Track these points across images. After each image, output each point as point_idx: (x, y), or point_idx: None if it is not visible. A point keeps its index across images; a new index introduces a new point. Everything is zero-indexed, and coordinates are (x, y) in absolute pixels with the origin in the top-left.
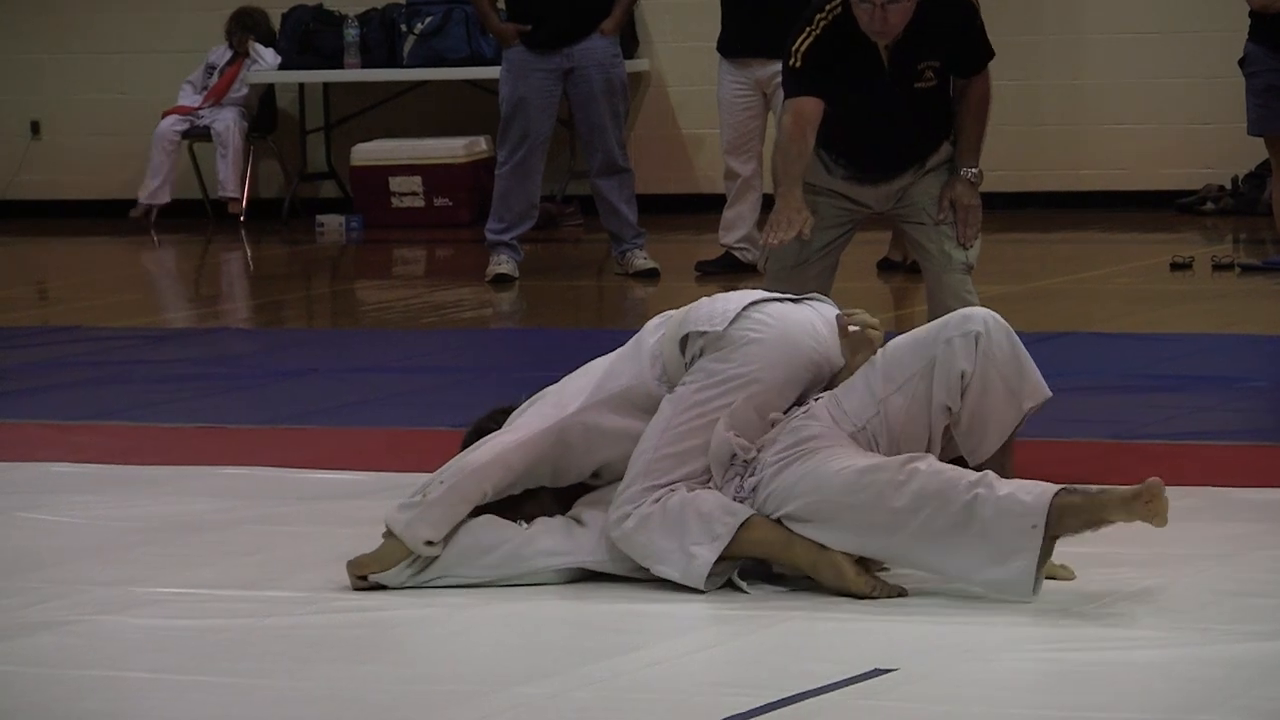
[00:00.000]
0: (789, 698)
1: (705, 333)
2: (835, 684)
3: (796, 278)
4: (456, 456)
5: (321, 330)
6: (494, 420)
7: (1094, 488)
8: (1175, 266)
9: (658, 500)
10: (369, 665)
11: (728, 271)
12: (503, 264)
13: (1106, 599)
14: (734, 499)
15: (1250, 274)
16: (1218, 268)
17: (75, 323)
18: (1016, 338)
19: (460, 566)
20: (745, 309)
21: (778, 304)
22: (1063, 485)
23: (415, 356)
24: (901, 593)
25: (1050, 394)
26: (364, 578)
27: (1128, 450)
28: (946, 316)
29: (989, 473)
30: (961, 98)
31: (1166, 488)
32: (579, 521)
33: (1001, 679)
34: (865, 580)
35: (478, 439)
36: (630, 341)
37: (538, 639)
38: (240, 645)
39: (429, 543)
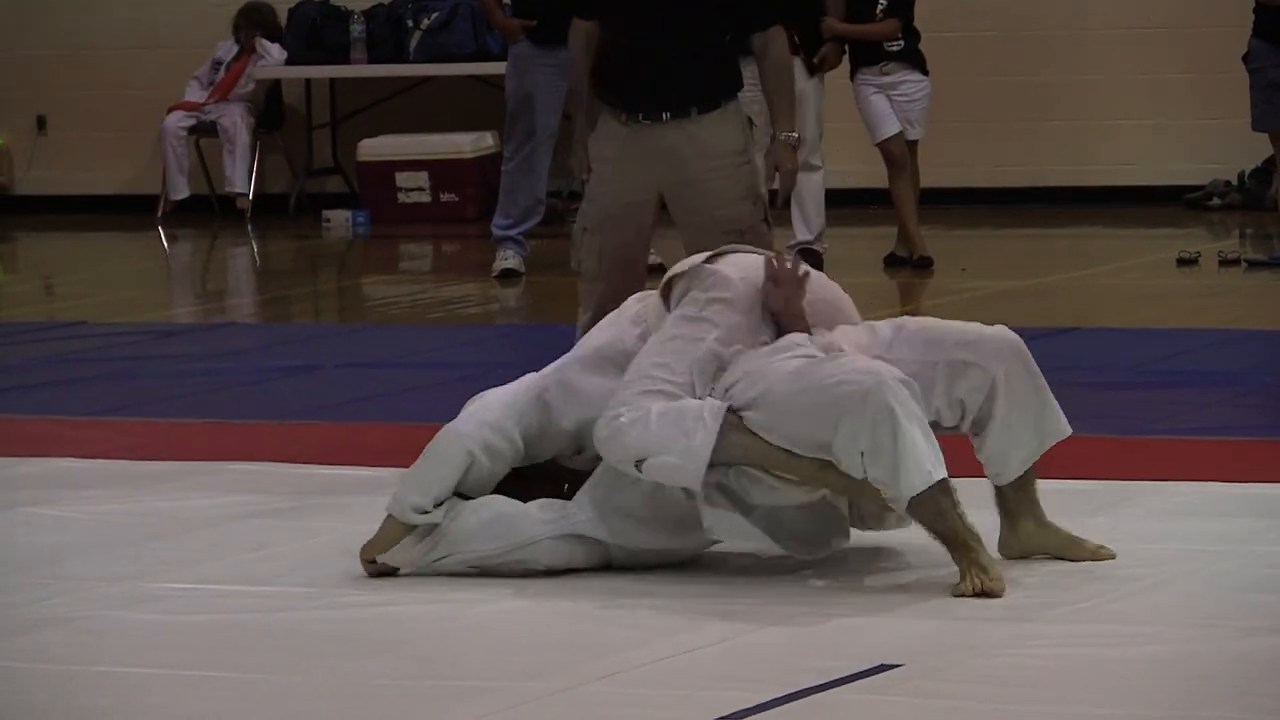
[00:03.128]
0: (795, 693)
1: (684, 272)
2: (841, 679)
3: (612, 281)
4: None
5: (328, 325)
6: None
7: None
8: (1182, 262)
9: (647, 404)
10: (376, 660)
11: None
12: (509, 259)
13: (1111, 595)
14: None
15: (1257, 269)
16: (1224, 263)
17: (82, 318)
18: (1034, 370)
19: (465, 543)
20: (719, 251)
21: (752, 255)
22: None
23: (422, 352)
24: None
25: (1069, 431)
26: (373, 561)
27: (1134, 446)
28: (976, 333)
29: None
30: (761, 62)
31: (1170, 482)
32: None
33: (1007, 675)
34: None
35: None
36: (613, 312)
37: (545, 635)
38: (247, 640)
39: (420, 510)
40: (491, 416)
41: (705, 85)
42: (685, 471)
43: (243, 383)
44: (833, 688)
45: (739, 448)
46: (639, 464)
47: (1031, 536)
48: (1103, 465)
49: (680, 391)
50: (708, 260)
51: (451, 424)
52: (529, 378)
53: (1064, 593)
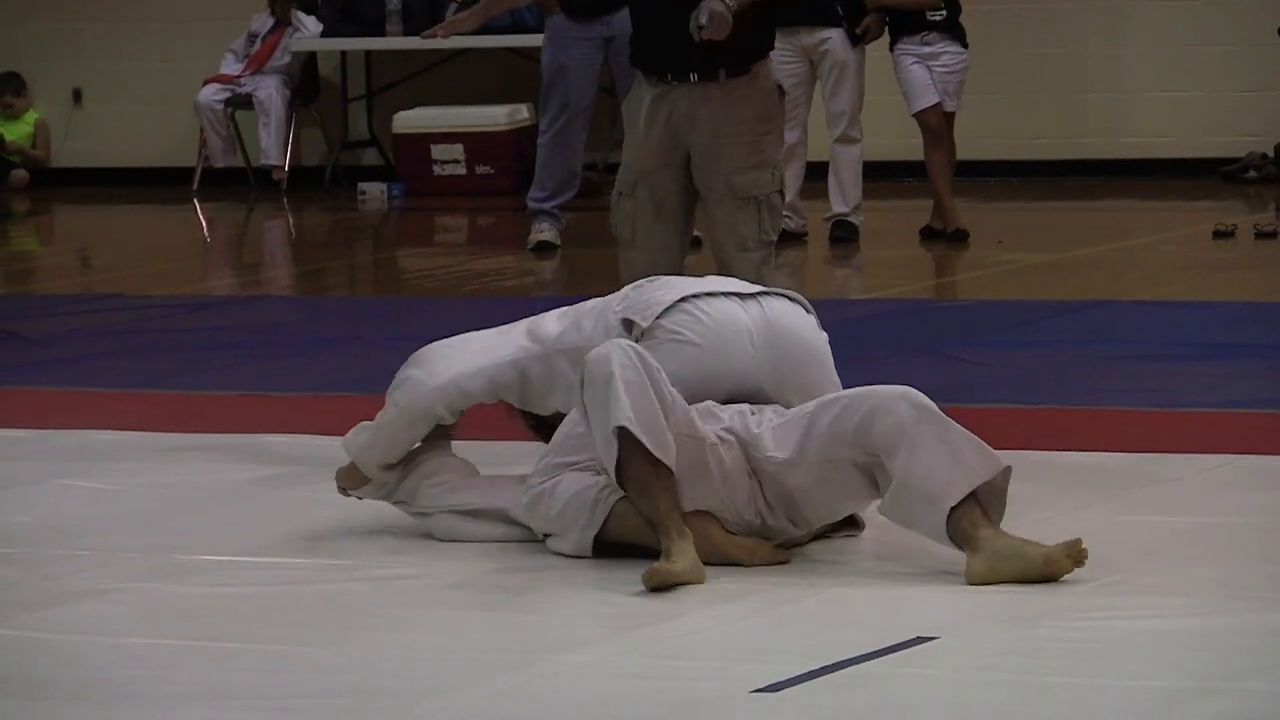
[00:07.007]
0: (831, 665)
1: (634, 323)
2: (877, 652)
3: (646, 247)
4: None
5: (363, 298)
6: None
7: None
8: (1218, 234)
9: (554, 479)
10: (410, 632)
11: None
12: (544, 232)
13: (1147, 567)
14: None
15: None
16: (1260, 235)
17: (118, 290)
18: (936, 415)
19: (415, 499)
20: (676, 304)
21: (717, 300)
22: None
23: (457, 324)
24: (783, 560)
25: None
26: (344, 490)
27: (1170, 419)
28: (869, 414)
29: None
30: None
31: (1206, 455)
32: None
33: (1043, 647)
34: (739, 544)
35: None
36: (606, 298)
37: (580, 607)
38: (282, 612)
39: (385, 467)
40: (472, 385)
41: (733, 47)
42: (578, 553)
43: (278, 355)
44: (869, 660)
45: (618, 533)
46: (545, 537)
47: (992, 548)
48: (1138, 438)
49: (586, 470)
50: (677, 301)
51: (420, 381)
52: (521, 342)
53: (1099, 566)
